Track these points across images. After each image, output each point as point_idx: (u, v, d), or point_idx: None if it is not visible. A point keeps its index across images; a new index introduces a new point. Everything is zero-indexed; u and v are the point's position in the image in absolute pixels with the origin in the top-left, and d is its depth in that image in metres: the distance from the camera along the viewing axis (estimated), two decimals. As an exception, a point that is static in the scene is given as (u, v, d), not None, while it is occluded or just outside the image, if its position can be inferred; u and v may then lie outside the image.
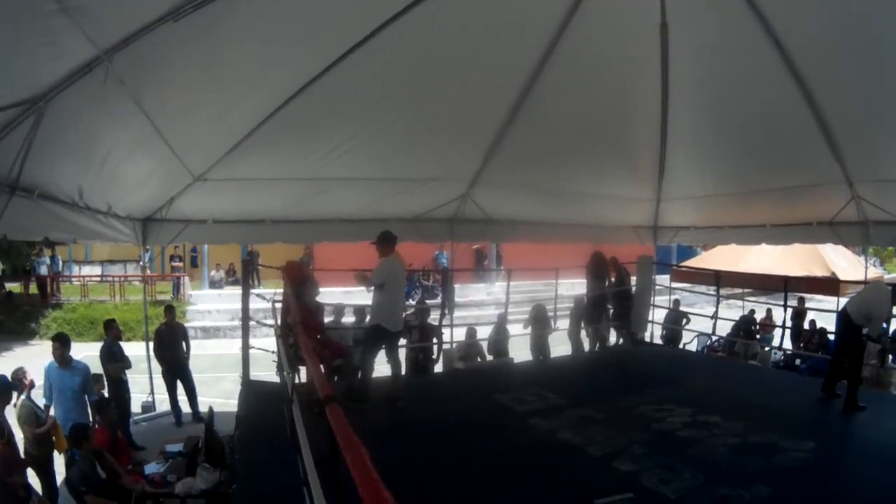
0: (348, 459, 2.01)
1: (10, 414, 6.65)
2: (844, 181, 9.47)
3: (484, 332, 11.80)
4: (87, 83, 4.91)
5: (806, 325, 14.05)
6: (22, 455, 6.56)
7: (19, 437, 6.81)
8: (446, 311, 11.47)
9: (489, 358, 11.44)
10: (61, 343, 8.08)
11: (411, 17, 6.62)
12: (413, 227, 11.29)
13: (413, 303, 16.82)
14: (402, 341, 9.79)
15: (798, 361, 12.50)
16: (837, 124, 8.45)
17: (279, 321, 7.66)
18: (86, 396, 8.15)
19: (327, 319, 9.30)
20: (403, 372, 8.90)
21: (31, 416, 6.88)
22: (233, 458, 6.54)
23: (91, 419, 7.99)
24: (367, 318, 8.22)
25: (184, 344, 10.97)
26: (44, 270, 22.54)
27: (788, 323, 12.11)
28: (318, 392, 5.70)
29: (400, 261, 7.48)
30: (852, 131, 8.52)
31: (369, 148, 8.88)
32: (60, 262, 24.14)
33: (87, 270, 26.84)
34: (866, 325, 7.77)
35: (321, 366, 4.16)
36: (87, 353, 10.49)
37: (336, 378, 8.70)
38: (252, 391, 8.22)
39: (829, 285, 14.42)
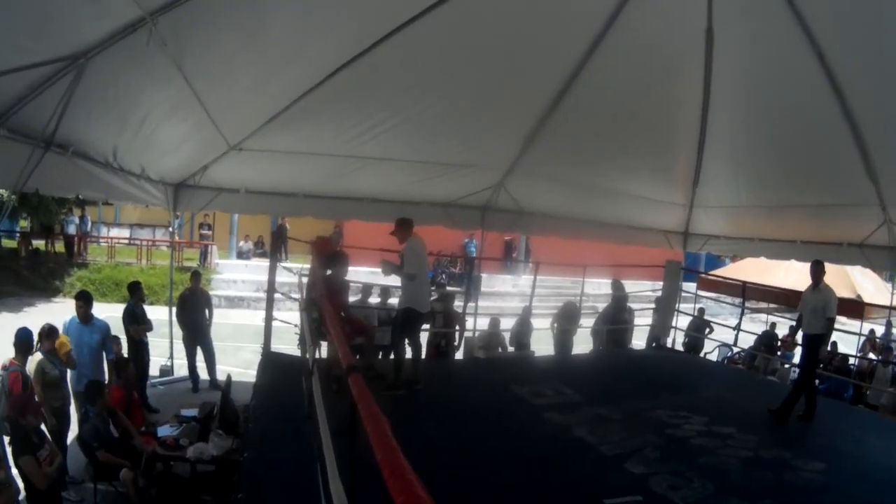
0: (368, 428, 1.99)
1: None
2: (878, 203, 9.30)
3: (507, 324, 11.80)
4: (130, 44, 4.89)
5: (827, 347, 13.88)
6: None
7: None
8: (470, 300, 11.47)
9: (510, 349, 11.45)
10: (85, 300, 8.20)
11: (459, 2, 6.59)
12: (445, 211, 11.37)
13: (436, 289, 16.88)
14: (426, 326, 9.87)
15: (816, 382, 12.33)
16: (875, 145, 8.31)
17: (305, 294, 7.67)
18: (103, 353, 8.24)
19: (354, 298, 9.30)
20: (424, 356, 8.91)
21: (38, 374, 6.88)
22: (246, 426, 6.60)
23: (107, 378, 8.08)
24: (395, 300, 8.19)
25: (206, 310, 11.06)
26: (72, 229, 22.69)
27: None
28: (337, 368, 5.76)
29: (422, 242, 7.44)
30: (890, 154, 8.37)
31: (407, 130, 8.86)
32: (89, 223, 24.27)
33: (115, 232, 27.01)
34: (816, 329, 7.94)
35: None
36: (109, 313, 10.58)
37: (356, 356, 8.70)
38: (271, 362, 8.27)
39: (854, 308, 14.25)
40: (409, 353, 7.75)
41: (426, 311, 7.56)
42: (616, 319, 12.26)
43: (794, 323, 14.37)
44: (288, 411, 5.88)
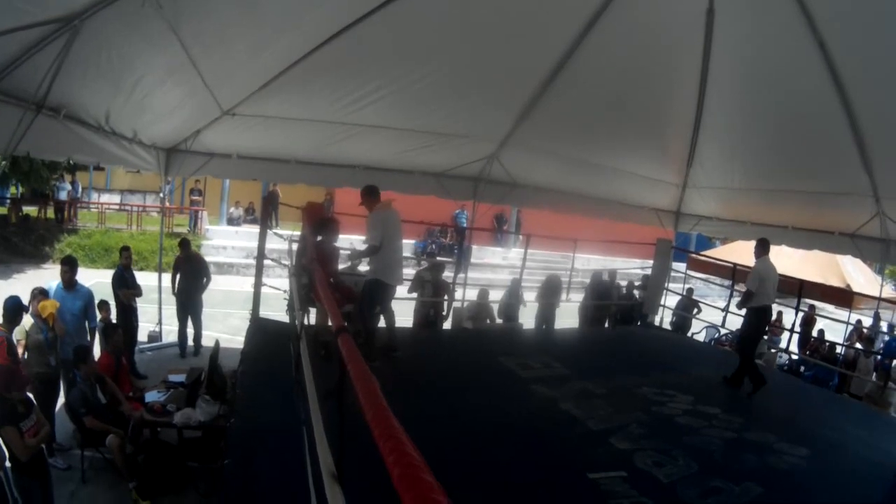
0: (358, 388, 1.97)
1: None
2: (871, 195, 9.40)
3: (496, 296, 11.83)
4: (125, 5, 4.85)
5: (814, 333, 13.99)
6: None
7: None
8: (460, 270, 11.48)
9: (498, 321, 11.48)
10: (70, 266, 8.17)
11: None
12: (438, 181, 11.41)
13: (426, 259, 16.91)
14: (414, 294, 10.02)
15: (802, 368, 12.44)
16: (872, 136, 8.37)
17: (295, 260, 7.61)
18: (86, 322, 8.20)
19: (343, 266, 9.26)
20: (413, 325, 8.89)
21: (23, 336, 6.91)
22: (234, 392, 6.58)
23: (89, 343, 8.03)
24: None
25: (204, 278, 11.07)
26: (63, 195, 22.48)
27: (798, 328, 12.05)
28: (325, 335, 5.75)
29: (393, 210, 7.05)
30: (886, 146, 8.43)
31: (402, 98, 8.85)
32: (80, 189, 24.04)
33: (106, 198, 26.80)
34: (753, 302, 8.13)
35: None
36: (98, 279, 10.54)
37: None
38: (260, 329, 8.24)
39: (843, 297, 14.34)
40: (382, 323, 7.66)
41: (395, 283, 7.20)
42: (604, 297, 12.37)
43: (781, 308, 14.60)
44: (276, 377, 5.85)
